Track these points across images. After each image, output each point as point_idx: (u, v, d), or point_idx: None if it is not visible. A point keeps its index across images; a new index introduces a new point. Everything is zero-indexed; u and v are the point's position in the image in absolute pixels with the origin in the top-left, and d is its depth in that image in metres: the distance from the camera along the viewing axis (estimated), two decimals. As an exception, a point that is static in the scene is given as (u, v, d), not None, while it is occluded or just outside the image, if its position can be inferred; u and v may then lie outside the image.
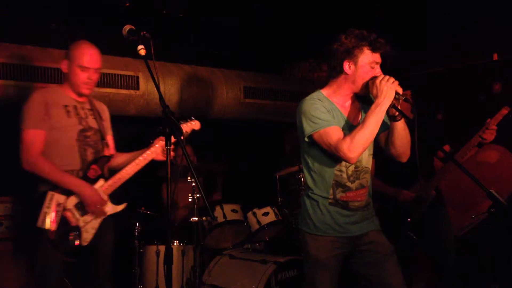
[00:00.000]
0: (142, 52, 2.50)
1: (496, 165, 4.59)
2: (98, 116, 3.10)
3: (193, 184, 4.17)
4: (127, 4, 4.14)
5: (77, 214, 2.86)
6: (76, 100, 3.01)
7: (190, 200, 4.19)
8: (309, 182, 2.63)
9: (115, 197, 3.03)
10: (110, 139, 3.20)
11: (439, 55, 5.10)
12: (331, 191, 2.56)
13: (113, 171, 3.07)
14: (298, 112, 2.56)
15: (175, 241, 4.17)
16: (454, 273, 3.57)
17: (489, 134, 3.30)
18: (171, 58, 4.78)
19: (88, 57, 2.94)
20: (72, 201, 2.86)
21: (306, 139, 2.54)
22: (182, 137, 2.35)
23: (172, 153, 2.92)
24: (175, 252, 4.04)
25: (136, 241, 4.13)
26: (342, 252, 2.61)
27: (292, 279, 3.91)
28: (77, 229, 2.85)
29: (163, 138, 2.93)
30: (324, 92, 2.60)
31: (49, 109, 2.87)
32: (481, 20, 4.62)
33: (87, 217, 2.89)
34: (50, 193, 2.79)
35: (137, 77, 4.41)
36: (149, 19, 4.23)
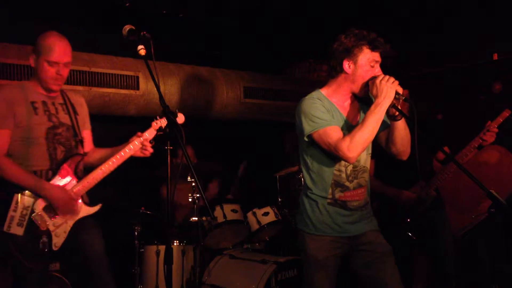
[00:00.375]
0: (142, 52, 2.49)
1: (497, 165, 4.59)
2: (72, 111, 2.90)
3: (193, 184, 4.17)
4: (127, 4, 4.14)
5: (46, 218, 2.67)
6: (45, 95, 2.81)
7: (190, 200, 4.19)
8: (308, 181, 2.62)
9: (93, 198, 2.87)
10: (87, 134, 3.00)
11: (439, 55, 5.10)
12: (330, 191, 2.56)
13: (90, 169, 2.88)
14: (297, 111, 2.56)
15: (175, 241, 4.16)
16: (454, 273, 3.57)
17: (490, 136, 3.32)
18: (171, 58, 4.78)
19: (57, 51, 2.72)
20: (41, 204, 2.67)
21: (306, 139, 2.54)
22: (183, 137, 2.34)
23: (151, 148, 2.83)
24: (175, 252, 4.03)
25: (136, 241, 4.11)
26: (340, 252, 2.61)
27: (292, 279, 3.91)
28: (47, 233, 2.66)
29: (141, 134, 2.85)
30: (324, 91, 2.60)
31: (14, 107, 2.68)
32: (481, 20, 4.62)
33: (57, 221, 2.70)
34: (16, 195, 2.61)
35: (137, 77, 4.40)
36: (149, 19, 4.23)
